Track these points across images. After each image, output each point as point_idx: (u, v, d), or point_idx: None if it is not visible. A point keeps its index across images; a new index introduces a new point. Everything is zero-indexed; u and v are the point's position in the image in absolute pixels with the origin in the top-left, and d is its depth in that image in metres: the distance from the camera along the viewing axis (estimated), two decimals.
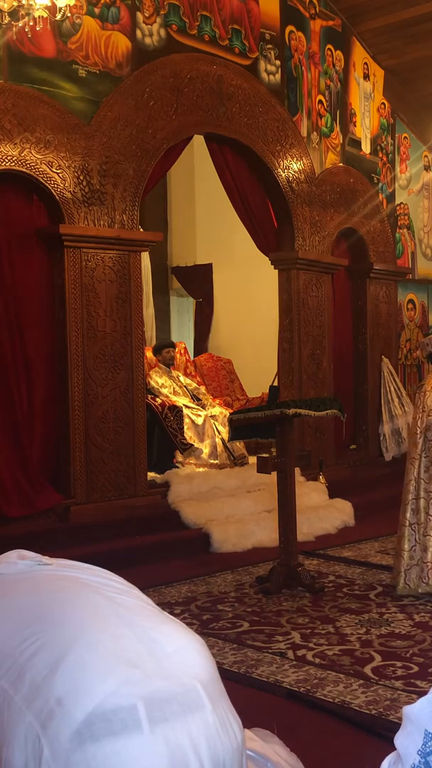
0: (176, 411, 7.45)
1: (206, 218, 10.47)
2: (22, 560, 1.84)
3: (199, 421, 7.61)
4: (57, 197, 5.99)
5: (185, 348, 9.26)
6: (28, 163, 5.81)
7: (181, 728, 1.44)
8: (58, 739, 1.39)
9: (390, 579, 5.14)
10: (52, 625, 1.55)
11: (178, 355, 8.65)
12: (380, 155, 9.52)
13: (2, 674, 1.50)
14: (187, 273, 10.76)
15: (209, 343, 10.44)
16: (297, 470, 6.08)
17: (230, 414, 5.75)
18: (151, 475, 6.88)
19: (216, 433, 7.63)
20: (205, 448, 7.57)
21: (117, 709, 1.41)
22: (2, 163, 5.67)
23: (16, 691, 1.46)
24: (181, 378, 8.22)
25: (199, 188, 10.39)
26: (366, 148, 9.27)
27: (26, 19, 5.41)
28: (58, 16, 5.40)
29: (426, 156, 10.42)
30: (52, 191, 5.96)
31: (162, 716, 1.43)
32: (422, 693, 3.39)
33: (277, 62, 7.95)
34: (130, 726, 1.40)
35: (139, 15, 6.63)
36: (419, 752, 1.29)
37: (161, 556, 5.92)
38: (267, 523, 6.44)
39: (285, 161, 7.84)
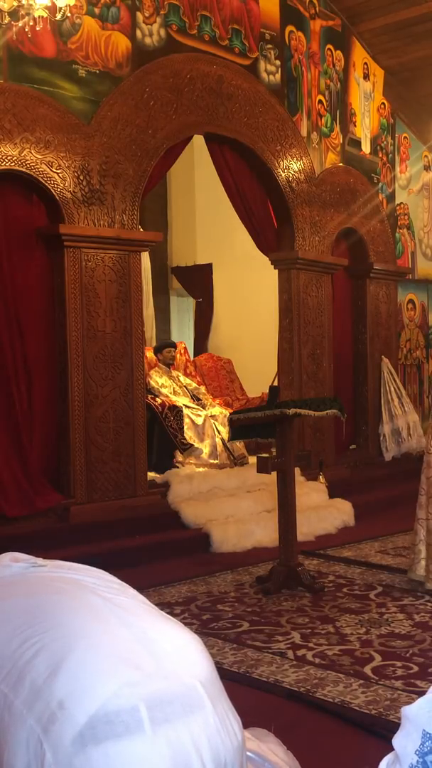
0: (176, 411, 7.44)
1: (206, 218, 10.46)
2: (15, 563, 1.83)
3: (199, 421, 7.61)
4: (57, 197, 5.99)
5: (185, 348, 9.25)
6: (28, 163, 5.80)
7: (183, 729, 1.43)
8: (61, 742, 1.38)
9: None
10: (50, 627, 1.54)
11: (178, 355, 8.65)
12: (380, 155, 9.51)
13: (1, 678, 1.49)
14: (187, 273, 10.75)
15: (209, 343, 10.43)
16: (297, 470, 6.08)
17: (230, 414, 5.75)
18: (151, 475, 6.87)
19: (216, 433, 7.63)
20: (205, 448, 7.56)
21: (119, 710, 1.40)
22: (2, 163, 5.67)
23: (16, 695, 1.45)
24: (181, 378, 8.21)
25: (199, 188, 10.38)
26: (366, 148, 9.27)
27: (26, 19, 5.42)
28: (58, 16, 5.40)
29: (426, 156, 10.42)
30: (52, 191, 5.96)
31: (164, 717, 1.42)
32: (422, 693, 3.38)
33: (277, 62, 7.95)
34: (132, 728, 1.39)
35: (139, 15, 6.63)
36: (417, 752, 1.29)
37: (161, 556, 5.92)
38: (267, 523, 6.44)
39: (285, 161, 7.84)
